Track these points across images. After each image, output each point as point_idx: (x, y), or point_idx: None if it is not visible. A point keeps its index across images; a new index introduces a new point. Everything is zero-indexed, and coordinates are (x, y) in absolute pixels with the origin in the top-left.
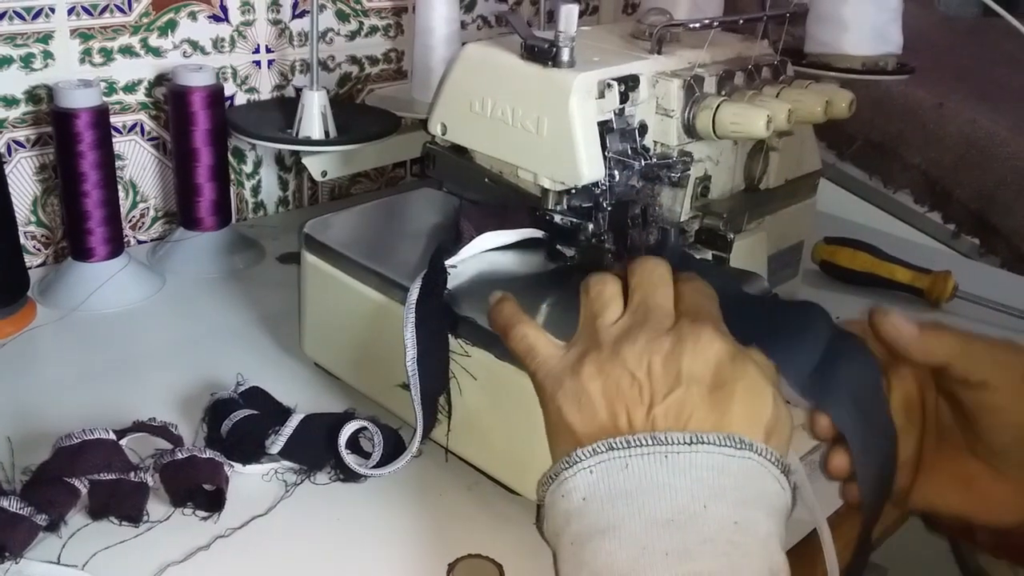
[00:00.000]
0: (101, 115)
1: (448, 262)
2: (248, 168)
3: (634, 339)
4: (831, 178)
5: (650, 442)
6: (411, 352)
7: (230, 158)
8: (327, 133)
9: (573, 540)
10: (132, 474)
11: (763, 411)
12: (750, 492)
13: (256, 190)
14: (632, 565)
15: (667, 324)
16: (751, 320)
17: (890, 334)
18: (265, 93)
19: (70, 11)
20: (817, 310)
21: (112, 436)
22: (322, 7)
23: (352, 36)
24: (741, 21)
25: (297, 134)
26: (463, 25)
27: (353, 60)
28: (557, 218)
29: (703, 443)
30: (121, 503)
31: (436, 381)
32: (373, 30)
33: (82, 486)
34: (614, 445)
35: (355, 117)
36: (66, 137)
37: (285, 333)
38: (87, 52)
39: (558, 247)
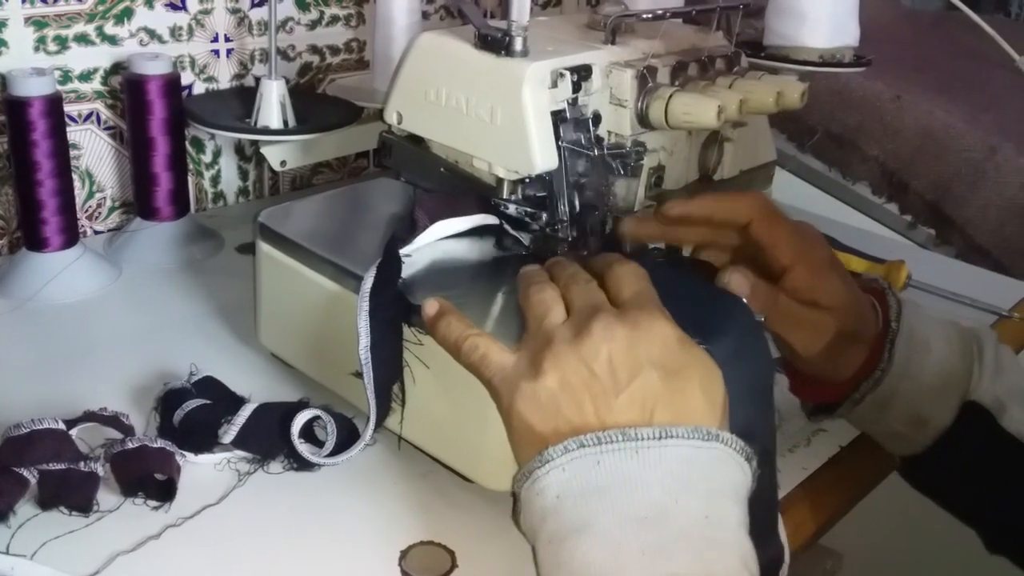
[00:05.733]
0: (54, 104)
1: (403, 251)
2: (207, 158)
3: (588, 332)
4: (792, 170)
5: (620, 438)
6: (364, 341)
7: (188, 147)
8: (286, 123)
9: (550, 539)
10: (82, 464)
11: (718, 392)
12: (719, 482)
13: (216, 180)
14: (609, 564)
15: (614, 315)
16: (678, 299)
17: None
18: (224, 82)
19: None
20: (741, 304)
21: (61, 426)
22: None
23: (313, 25)
24: (694, 12)
25: (256, 123)
26: (425, 15)
27: (314, 50)
28: (512, 207)
29: (672, 436)
30: (71, 493)
31: (389, 370)
32: (334, 19)
33: (31, 476)
34: (585, 442)
35: (315, 107)
36: (19, 126)
37: (242, 323)
38: (41, 40)
39: (514, 233)
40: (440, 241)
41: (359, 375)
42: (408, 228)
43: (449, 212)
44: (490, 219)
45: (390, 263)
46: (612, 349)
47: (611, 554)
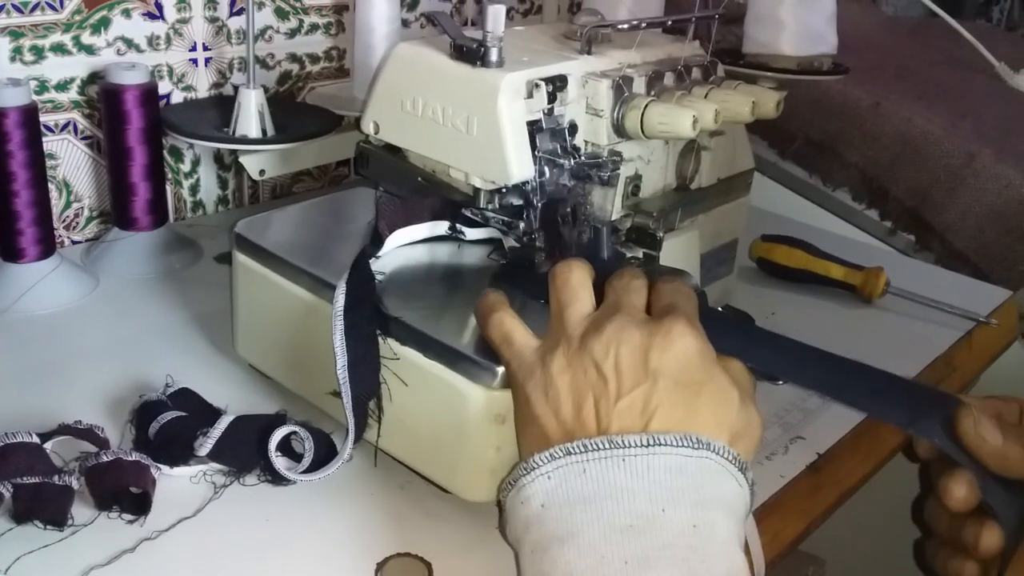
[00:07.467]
0: (30, 114)
1: (376, 268)
2: (186, 167)
3: (601, 331)
4: (773, 177)
5: (607, 445)
6: (341, 360)
7: (167, 157)
8: (264, 132)
9: (533, 548)
10: (56, 477)
11: (729, 413)
12: (708, 492)
13: (195, 189)
14: (591, 574)
15: (637, 318)
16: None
17: (973, 442)
18: (203, 91)
19: None
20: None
21: (35, 439)
22: (260, 5)
23: (292, 34)
24: (669, 22)
25: (234, 133)
26: (406, 23)
27: (293, 58)
28: (490, 216)
29: (660, 444)
30: (45, 506)
31: (367, 387)
32: (313, 28)
33: (5, 490)
34: (571, 450)
35: (294, 115)
36: None
37: (220, 333)
38: (17, 50)
39: (470, 239)
40: (416, 250)
41: (337, 394)
42: (374, 241)
43: (405, 220)
44: (442, 226)
45: (360, 279)
46: (621, 352)
47: (594, 564)
